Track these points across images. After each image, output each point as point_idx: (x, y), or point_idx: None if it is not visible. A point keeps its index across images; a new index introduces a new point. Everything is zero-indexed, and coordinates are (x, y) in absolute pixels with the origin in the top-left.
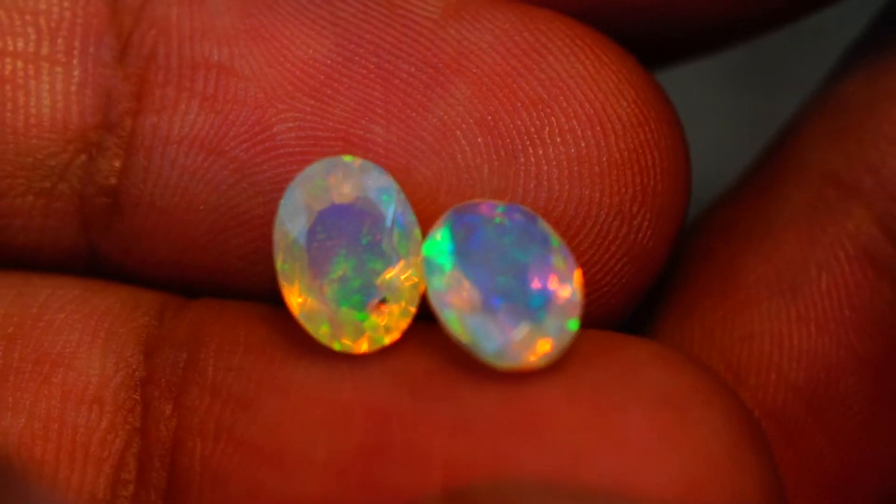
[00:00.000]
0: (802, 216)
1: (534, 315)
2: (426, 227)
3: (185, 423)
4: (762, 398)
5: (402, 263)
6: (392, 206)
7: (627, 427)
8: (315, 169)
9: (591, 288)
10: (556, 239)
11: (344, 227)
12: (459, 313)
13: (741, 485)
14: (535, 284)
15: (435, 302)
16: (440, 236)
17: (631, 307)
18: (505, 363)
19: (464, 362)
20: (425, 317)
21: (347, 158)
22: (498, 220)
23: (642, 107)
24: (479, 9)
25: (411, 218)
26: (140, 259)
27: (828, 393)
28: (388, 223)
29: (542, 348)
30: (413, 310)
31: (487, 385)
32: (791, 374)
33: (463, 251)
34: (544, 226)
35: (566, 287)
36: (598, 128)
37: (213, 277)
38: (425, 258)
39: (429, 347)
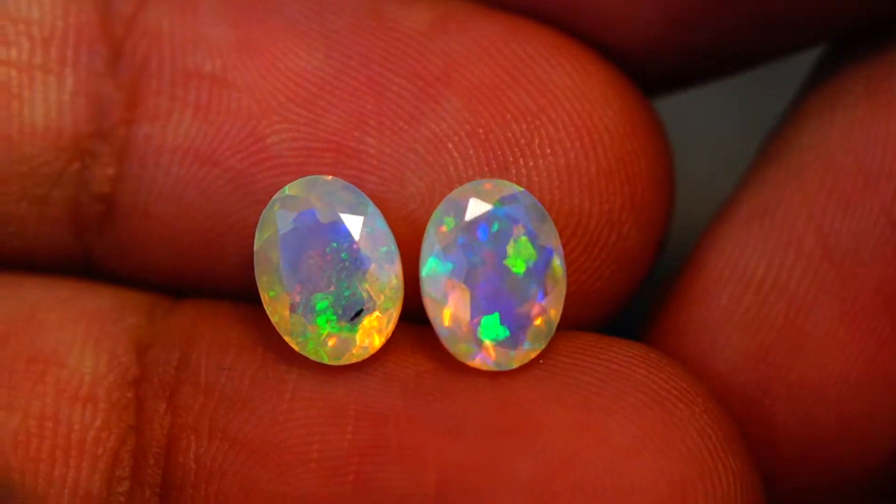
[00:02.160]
0: None
1: (513, 342)
2: (418, 237)
3: (179, 422)
4: (890, 205)
5: (377, 277)
6: (365, 221)
7: (615, 429)
8: (288, 190)
9: (579, 292)
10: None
11: (320, 244)
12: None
13: (725, 485)
14: (522, 310)
15: (427, 301)
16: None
17: (617, 309)
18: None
19: (456, 363)
20: (417, 319)
21: (321, 178)
22: (497, 226)
23: (628, 115)
24: (466, 20)
25: (387, 233)
26: (133, 263)
27: None
28: (361, 239)
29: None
30: (395, 315)
31: (479, 386)
32: None
33: (458, 257)
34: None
35: (546, 316)
36: (587, 138)
37: (206, 281)
38: (424, 258)
39: (420, 348)
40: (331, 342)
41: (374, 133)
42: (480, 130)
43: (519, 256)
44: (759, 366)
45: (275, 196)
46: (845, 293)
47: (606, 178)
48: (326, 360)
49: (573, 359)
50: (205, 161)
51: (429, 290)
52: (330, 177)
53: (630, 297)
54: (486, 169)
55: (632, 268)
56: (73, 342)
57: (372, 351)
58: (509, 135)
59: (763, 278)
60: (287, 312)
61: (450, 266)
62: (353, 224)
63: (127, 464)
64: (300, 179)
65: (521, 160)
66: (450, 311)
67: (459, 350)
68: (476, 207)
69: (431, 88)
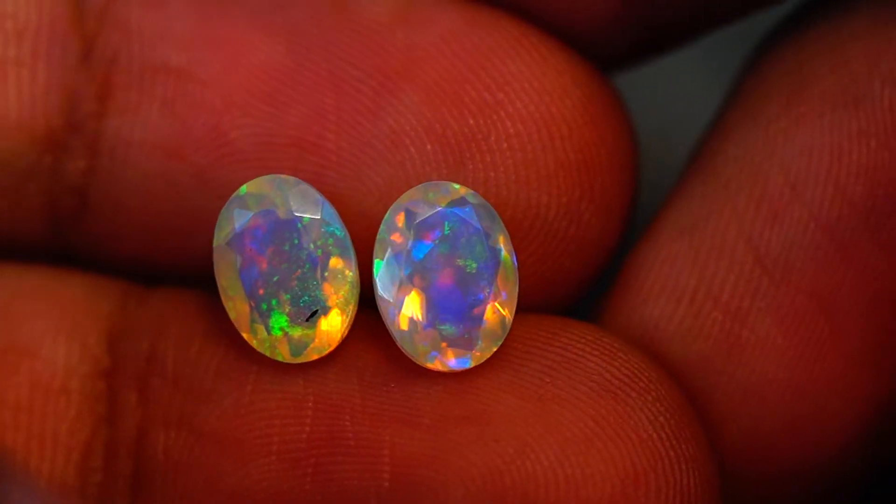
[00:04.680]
0: (870, 30)
1: (468, 343)
2: (374, 231)
3: (149, 414)
4: (818, 211)
5: (333, 275)
6: (320, 219)
7: (568, 418)
8: (245, 189)
9: (539, 282)
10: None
11: (276, 245)
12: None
13: (678, 473)
14: (476, 311)
15: (382, 305)
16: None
17: (580, 293)
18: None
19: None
20: (375, 308)
21: (276, 177)
22: (447, 228)
23: (588, 106)
24: (426, 11)
25: (342, 230)
26: (107, 254)
27: (885, 209)
28: (317, 238)
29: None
30: (352, 313)
31: (435, 377)
32: (849, 189)
33: (414, 259)
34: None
35: (500, 315)
36: (545, 130)
37: (176, 272)
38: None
39: (377, 339)
40: (288, 341)
41: (333, 128)
42: (438, 126)
43: (470, 257)
44: (699, 374)
45: (233, 195)
46: (780, 299)
47: (565, 170)
48: (283, 359)
49: (528, 346)
50: (171, 155)
51: (382, 294)
52: (286, 175)
53: (593, 281)
54: (442, 164)
55: (593, 255)
56: (46, 332)
57: (329, 349)
58: (466, 130)
59: (696, 289)
60: (245, 310)
61: (402, 270)
62: (309, 222)
63: (100, 455)
64: (257, 178)
65: (478, 155)
66: (404, 314)
67: (415, 352)
68: (426, 210)
69: (391, 83)
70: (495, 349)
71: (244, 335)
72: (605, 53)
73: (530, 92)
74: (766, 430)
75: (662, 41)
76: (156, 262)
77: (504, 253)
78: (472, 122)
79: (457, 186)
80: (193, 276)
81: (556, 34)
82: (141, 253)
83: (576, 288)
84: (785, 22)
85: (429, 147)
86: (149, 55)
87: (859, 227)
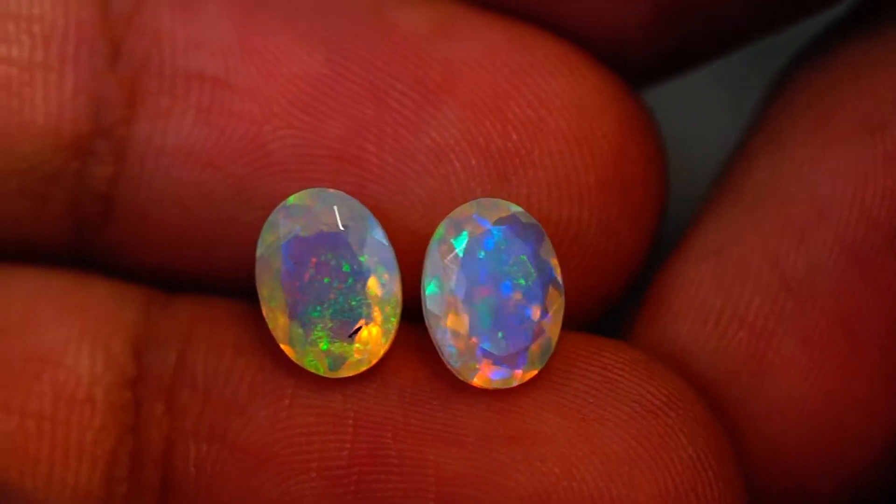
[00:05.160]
0: None
1: (514, 361)
2: (420, 245)
3: (177, 425)
4: (843, 234)
5: (376, 291)
6: (368, 235)
7: (611, 439)
8: (293, 200)
9: (575, 298)
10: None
11: (321, 255)
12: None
13: (717, 493)
14: (523, 330)
15: (430, 320)
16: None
17: (606, 310)
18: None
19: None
20: (416, 321)
21: (326, 190)
22: (498, 245)
23: (624, 122)
24: (466, 25)
25: (388, 247)
26: (131, 261)
27: None
28: (364, 254)
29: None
30: (393, 330)
31: (477, 395)
32: (874, 212)
33: (463, 277)
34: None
35: (545, 335)
36: (585, 147)
37: (203, 281)
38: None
39: (418, 355)
40: (328, 355)
41: (374, 140)
42: (482, 140)
43: (520, 276)
44: (725, 393)
45: (279, 205)
46: (804, 321)
47: (603, 186)
48: (322, 373)
49: (568, 365)
50: (206, 165)
51: (431, 310)
52: (332, 189)
53: (622, 296)
54: (486, 179)
55: (625, 271)
56: (70, 340)
57: (368, 365)
58: (510, 145)
59: (722, 310)
60: (285, 322)
61: (451, 286)
62: (354, 236)
63: (125, 465)
64: (305, 190)
65: (522, 171)
66: (452, 330)
67: (461, 369)
68: (476, 227)
69: (432, 95)
70: (539, 369)
71: (283, 347)
72: (633, 68)
73: (571, 108)
74: (790, 449)
75: (690, 57)
76: (181, 270)
77: (553, 273)
78: (515, 137)
79: (508, 204)
80: (219, 286)
81: (587, 48)
82: (166, 260)
83: (606, 303)
84: (811, 45)
85: (473, 161)
86: (182, 62)
87: (883, 249)
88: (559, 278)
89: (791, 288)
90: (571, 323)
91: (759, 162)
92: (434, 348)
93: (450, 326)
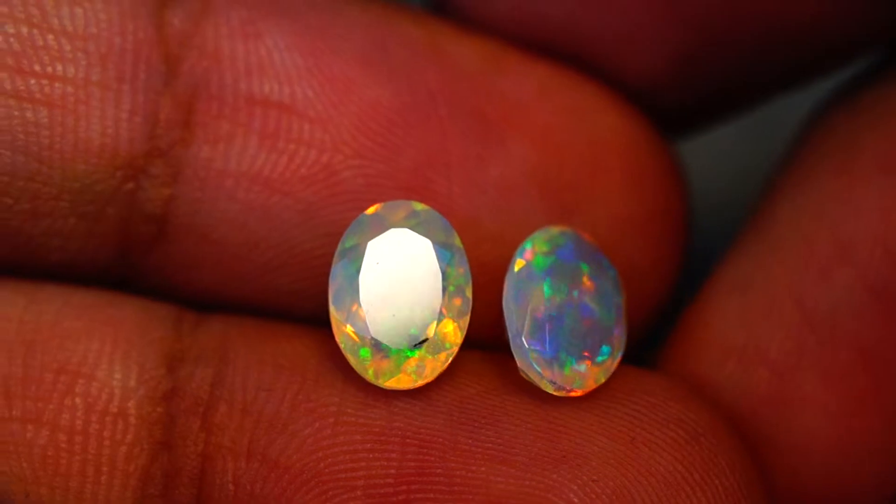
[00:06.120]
0: None
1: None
2: (488, 277)
3: (215, 441)
4: (865, 272)
5: (447, 315)
6: (450, 258)
7: (660, 463)
8: (382, 209)
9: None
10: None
11: (400, 270)
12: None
13: None
14: (597, 352)
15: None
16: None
17: (640, 338)
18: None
19: (501, 390)
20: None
21: (417, 206)
22: (585, 274)
23: (663, 163)
24: (517, 63)
25: (467, 274)
26: (177, 282)
27: None
28: (443, 274)
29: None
30: (452, 357)
31: (523, 415)
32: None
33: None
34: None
35: (614, 354)
36: (639, 184)
37: (253, 306)
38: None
39: (465, 375)
40: (387, 365)
41: (443, 172)
42: (544, 174)
43: (602, 304)
44: (748, 427)
45: (366, 211)
46: (825, 357)
47: (652, 223)
48: (375, 381)
49: (613, 390)
50: (274, 190)
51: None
52: (424, 206)
53: (649, 329)
54: (550, 214)
55: (659, 305)
56: (102, 353)
57: (420, 384)
58: (572, 180)
59: (745, 346)
60: (350, 327)
61: (534, 306)
62: (441, 259)
63: (159, 482)
64: (396, 201)
65: (583, 207)
66: (531, 349)
67: (533, 376)
68: (563, 251)
69: (496, 129)
70: (602, 383)
71: (343, 351)
72: (661, 116)
73: (622, 146)
74: (811, 483)
75: (718, 108)
76: (230, 293)
77: (622, 300)
78: (575, 173)
79: (583, 234)
80: (276, 311)
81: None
82: (216, 283)
83: (637, 336)
84: (837, 92)
85: (536, 195)
86: (244, 86)
87: None
88: (625, 306)
89: (813, 324)
90: None
91: (784, 201)
92: (485, 371)
93: (528, 341)
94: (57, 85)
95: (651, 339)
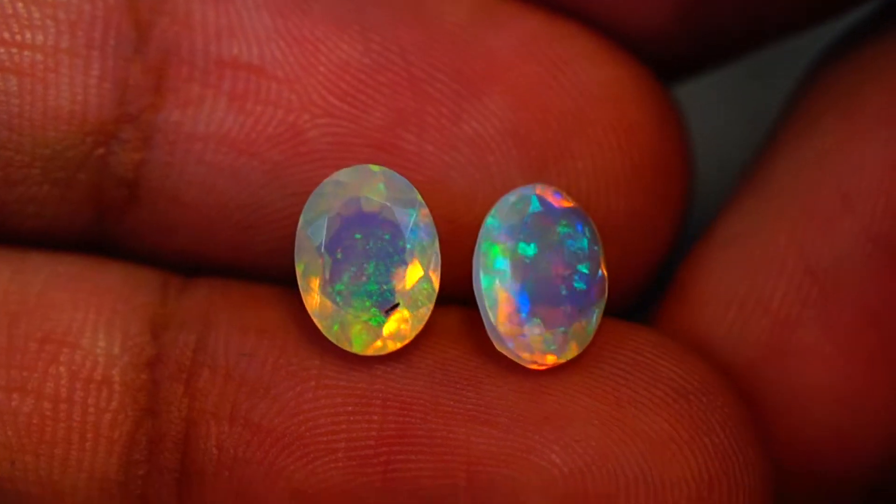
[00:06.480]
0: None
1: (562, 341)
2: (461, 235)
3: (198, 406)
4: (868, 224)
5: (419, 273)
6: (414, 216)
7: (645, 423)
8: (340, 176)
9: (610, 286)
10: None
11: (364, 234)
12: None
13: (748, 478)
14: (573, 314)
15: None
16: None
17: (635, 295)
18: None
19: (483, 352)
20: (447, 301)
21: (374, 168)
22: (559, 233)
23: (659, 114)
24: (505, 16)
25: (432, 230)
26: (152, 246)
27: None
28: (408, 233)
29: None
30: (426, 316)
31: (507, 376)
32: None
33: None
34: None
35: (590, 319)
36: (623, 137)
37: (234, 266)
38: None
39: (446, 336)
40: (361, 332)
41: (414, 130)
42: (521, 130)
43: (577, 264)
44: (748, 380)
45: (326, 179)
46: (829, 310)
47: (640, 176)
48: (352, 349)
49: (599, 348)
50: (241, 151)
51: (484, 291)
52: (381, 167)
53: (649, 284)
54: (526, 170)
55: (656, 259)
56: (86, 321)
57: (396, 347)
58: (550, 135)
59: (746, 297)
60: (321, 297)
61: (508, 267)
62: (403, 217)
63: (144, 448)
64: (353, 167)
65: (562, 161)
66: (503, 310)
67: (507, 345)
68: (534, 209)
69: (472, 86)
70: (581, 350)
71: (316, 322)
72: (662, 63)
73: (609, 99)
74: (811, 437)
75: (718, 53)
76: (212, 254)
77: (602, 264)
78: (554, 127)
79: (563, 192)
80: (249, 271)
81: (617, 41)
82: (191, 245)
83: (632, 291)
84: (838, 43)
85: (514, 152)
86: (215, 48)
87: None
88: (605, 267)
89: (816, 276)
90: (610, 300)
91: (786, 153)
92: (465, 332)
93: (500, 308)
94: (26, 53)
95: (652, 295)
